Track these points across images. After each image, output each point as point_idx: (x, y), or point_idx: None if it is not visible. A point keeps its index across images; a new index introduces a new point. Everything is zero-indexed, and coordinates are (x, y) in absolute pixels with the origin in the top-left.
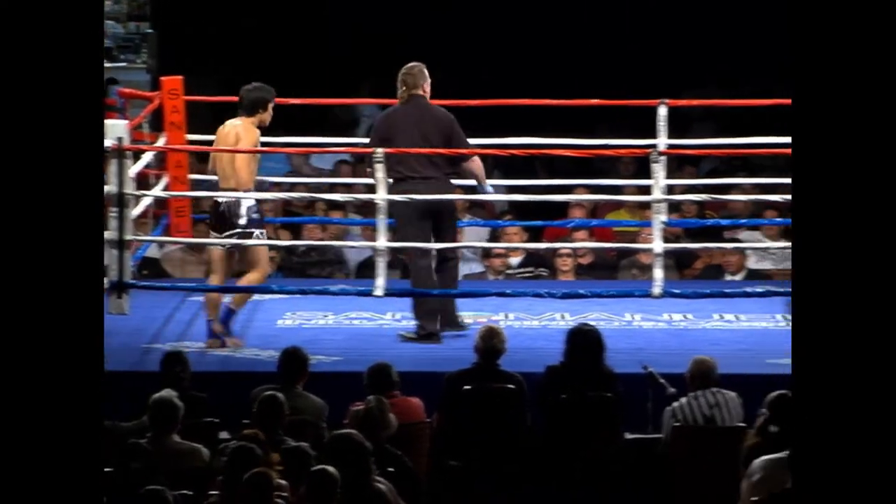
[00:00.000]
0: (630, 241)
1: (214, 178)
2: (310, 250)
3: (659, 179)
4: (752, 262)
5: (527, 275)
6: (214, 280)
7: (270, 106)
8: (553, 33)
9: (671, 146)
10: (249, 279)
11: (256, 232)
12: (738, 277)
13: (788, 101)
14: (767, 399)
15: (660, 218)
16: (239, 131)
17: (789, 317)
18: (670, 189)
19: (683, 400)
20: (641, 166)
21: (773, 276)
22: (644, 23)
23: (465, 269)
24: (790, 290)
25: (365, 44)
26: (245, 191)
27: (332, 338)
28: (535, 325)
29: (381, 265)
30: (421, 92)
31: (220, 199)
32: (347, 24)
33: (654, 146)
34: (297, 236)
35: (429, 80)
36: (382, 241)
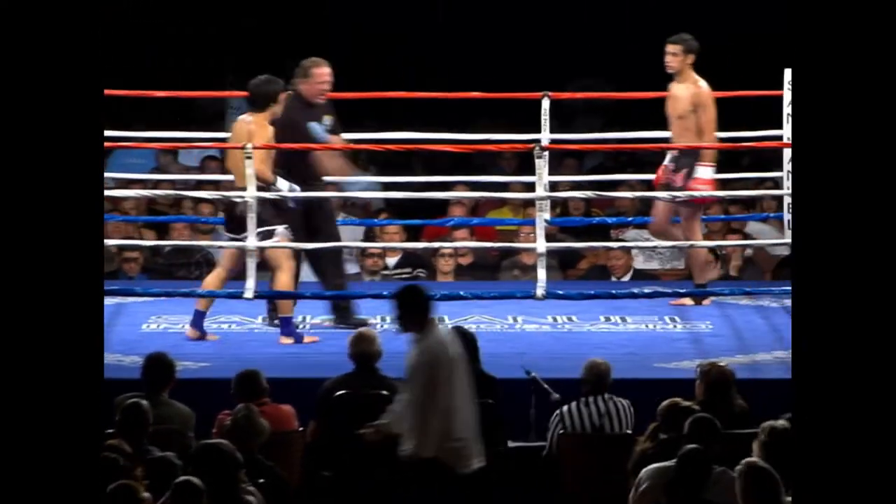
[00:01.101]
0: (512, 240)
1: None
2: (176, 251)
3: (542, 176)
4: (640, 262)
5: (404, 276)
6: (216, 276)
7: (282, 98)
8: (430, 22)
9: (555, 141)
10: (279, 281)
11: (279, 229)
12: (624, 278)
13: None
14: (660, 407)
15: (543, 216)
16: (252, 128)
17: (677, 318)
18: (554, 186)
19: (573, 405)
20: (524, 162)
21: (660, 277)
22: (526, 11)
23: None
24: (678, 291)
25: (365, 44)
26: (264, 188)
27: (198, 343)
28: None
29: (251, 266)
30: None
31: (235, 199)
32: (347, 24)
33: (536, 141)
34: (162, 236)
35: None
36: (252, 241)
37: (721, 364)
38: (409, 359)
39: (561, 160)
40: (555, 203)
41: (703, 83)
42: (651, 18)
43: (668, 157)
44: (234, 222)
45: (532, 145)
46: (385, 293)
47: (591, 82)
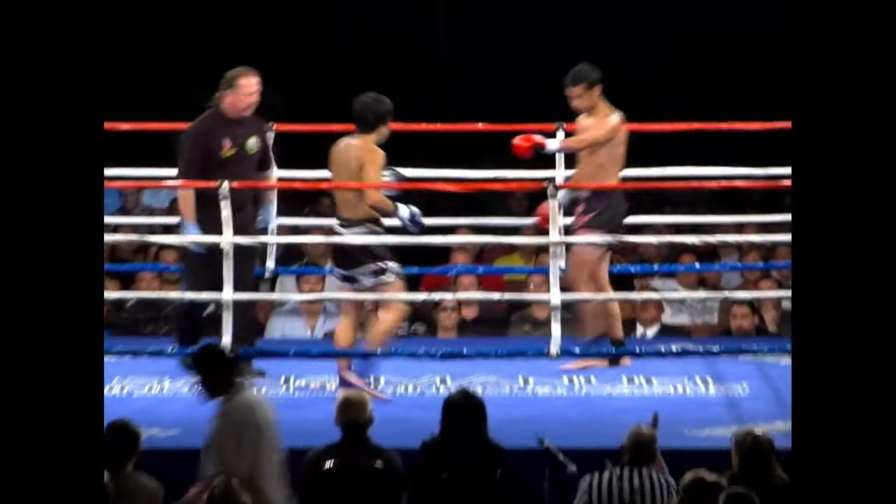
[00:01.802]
0: (522, 290)
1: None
2: (142, 304)
3: (556, 218)
4: (667, 316)
5: (401, 331)
6: (346, 324)
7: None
8: (429, 45)
9: (570, 178)
10: (386, 320)
11: (392, 266)
12: (650, 334)
13: (714, 124)
14: (683, 482)
15: (558, 263)
16: (361, 153)
17: (709, 380)
18: (570, 229)
19: (604, 476)
20: (536, 202)
21: (690, 333)
22: (537, 33)
23: (328, 325)
24: (711, 348)
25: (365, 44)
26: (372, 220)
27: (168, 407)
28: (410, 391)
29: (227, 321)
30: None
31: (342, 232)
32: (347, 24)
33: (550, 179)
34: (126, 287)
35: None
36: (229, 292)
37: (759, 431)
38: (211, 427)
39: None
40: (571, 248)
41: (615, 116)
42: (675, 41)
43: (568, 196)
44: (349, 259)
45: (545, 183)
46: (378, 351)
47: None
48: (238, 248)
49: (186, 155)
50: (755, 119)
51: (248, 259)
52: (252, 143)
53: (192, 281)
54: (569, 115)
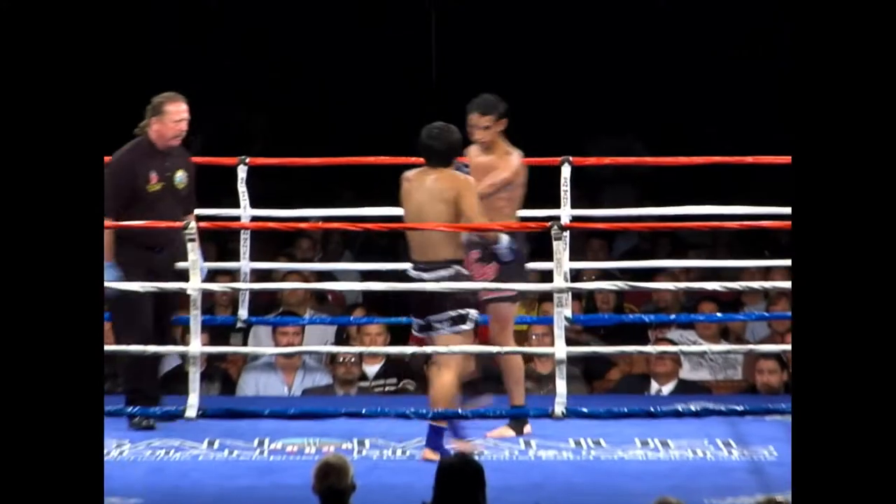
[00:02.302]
0: (523, 343)
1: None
2: None
3: (562, 262)
4: (685, 371)
5: (388, 388)
6: (449, 380)
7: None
8: (417, 71)
9: (577, 218)
10: (443, 380)
11: (472, 313)
12: (666, 390)
13: (734, 158)
14: None
15: (563, 313)
16: (455, 182)
17: (732, 443)
18: (577, 274)
19: None
20: (538, 244)
21: (711, 390)
22: (536, 54)
23: (307, 381)
24: (734, 407)
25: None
26: (458, 261)
27: (128, 473)
28: (398, 455)
29: (194, 377)
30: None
31: (423, 277)
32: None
33: (555, 218)
34: None
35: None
36: (196, 345)
37: (781, 499)
38: None
39: (586, 241)
40: (578, 296)
41: (517, 154)
42: (693, 60)
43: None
44: (428, 306)
45: (549, 223)
46: (363, 411)
47: (620, 142)
48: (135, 294)
49: (111, 189)
50: (784, 153)
51: (146, 304)
52: (179, 176)
53: (123, 330)
54: (589, 185)
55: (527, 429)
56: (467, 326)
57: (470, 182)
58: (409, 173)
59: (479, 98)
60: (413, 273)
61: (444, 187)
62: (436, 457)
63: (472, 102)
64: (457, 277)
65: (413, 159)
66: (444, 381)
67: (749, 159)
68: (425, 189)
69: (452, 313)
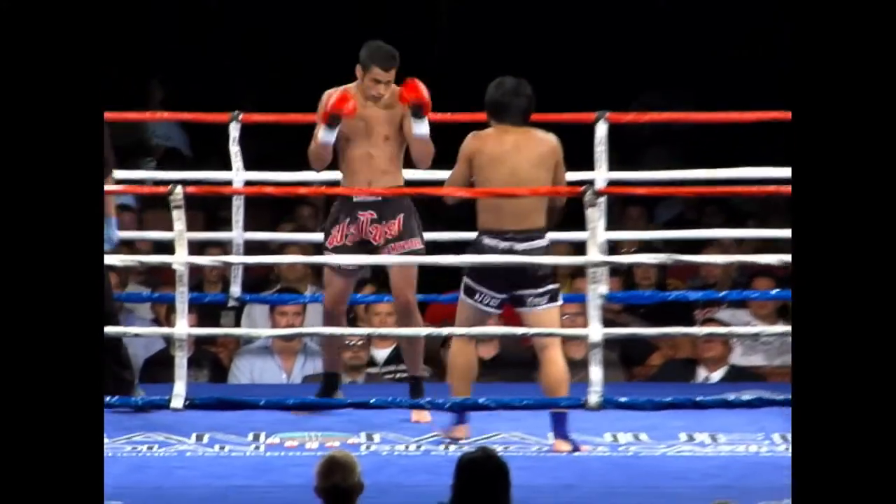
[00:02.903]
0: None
1: None
2: None
3: (596, 232)
4: (737, 356)
5: (400, 375)
6: (558, 358)
7: None
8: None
9: (614, 182)
10: (559, 360)
11: (557, 297)
12: (715, 378)
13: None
14: None
15: (598, 290)
16: (556, 147)
17: (789, 437)
18: (614, 246)
19: None
20: (570, 212)
21: (766, 378)
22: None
23: (308, 367)
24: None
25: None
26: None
27: (106, 471)
28: (411, 450)
29: (180, 362)
30: None
31: (514, 248)
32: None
33: (588, 182)
34: None
35: None
36: (183, 326)
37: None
38: None
39: (623, 209)
40: (615, 271)
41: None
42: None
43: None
44: (522, 278)
45: (581, 188)
46: (371, 400)
47: (663, 97)
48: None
49: None
50: None
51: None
52: None
53: None
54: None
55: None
56: (561, 302)
57: (560, 156)
58: (483, 133)
59: (389, 49)
60: (498, 243)
61: (545, 151)
62: (568, 446)
63: (382, 56)
64: (550, 249)
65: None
66: (560, 362)
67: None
68: (523, 152)
69: (551, 287)
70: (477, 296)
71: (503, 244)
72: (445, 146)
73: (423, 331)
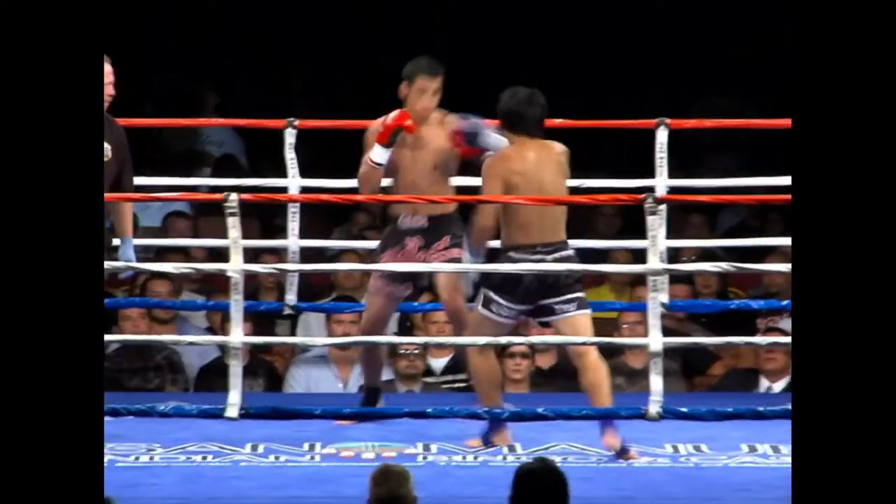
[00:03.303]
0: (613, 333)
1: None
2: (126, 350)
3: (657, 239)
4: None
5: (457, 385)
6: (599, 364)
7: None
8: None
9: (675, 189)
10: (601, 367)
11: (585, 304)
12: (777, 388)
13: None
14: None
15: (658, 298)
16: (563, 156)
17: None
18: (674, 254)
19: None
20: (630, 220)
21: None
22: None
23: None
24: None
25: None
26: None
27: (159, 481)
28: (469, 461)
29: (235, 371)
30: None
31: (545, 259)
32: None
33: (649, 189)
34: (108, 329)
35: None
36: (238, 335)
37: None
38: None
39: (685, 217)
40: (676, 279)
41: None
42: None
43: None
44: (549, 288)
45: (643, 196)
46: (428, 410)
47: (725, 103)
48: None
49: None
50: None
51: None
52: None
53: None
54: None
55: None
56: (589, 310)
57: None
58: (506, 153)
59: (429, 60)
60: (527, 257)
61: (561, 160)
62: (617, 441)
63: (427, 64)
64: (575, 257)
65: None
66: (601, 365)
67: None
68: (544, 165)
69: (580, 294)
70: (494, 307)
71: (533, 257)
72: None
73: (482, 339)
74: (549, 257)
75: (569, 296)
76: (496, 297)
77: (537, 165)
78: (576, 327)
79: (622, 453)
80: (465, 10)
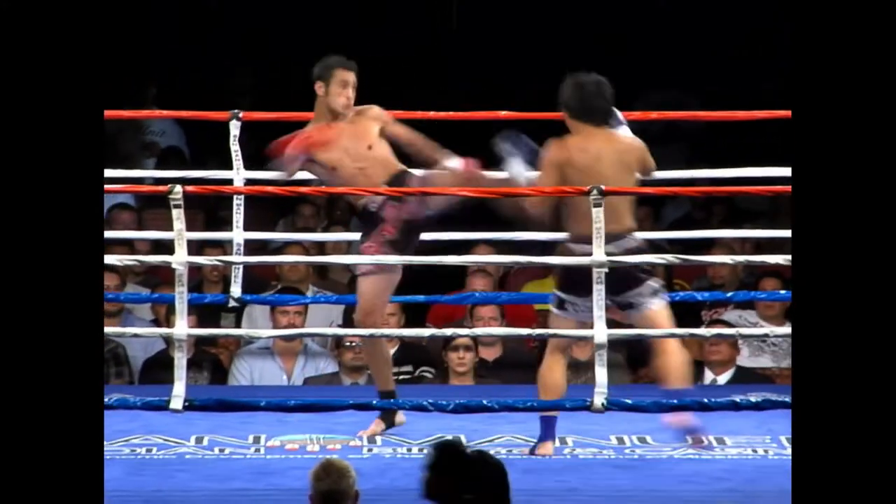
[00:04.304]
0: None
1: None
2: None
3: (601, 231)
4: (744, 358)
5: (403, 377)
6: (679, 350)
7: None
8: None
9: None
10: (677, 350)
11: (658, 285)
12: (721, 380)
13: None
14: None
15: (602, 290)
16: (643, 147)
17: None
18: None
19: None
20: None
21: (774, 380)
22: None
23: (309, 368)
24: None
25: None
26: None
27: (104, 473)
28: (413, 453)
29: (180, 363)
30: None
31: (609, 250)
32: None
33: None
34: None
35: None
36: (183, 327)
37: None
38: None
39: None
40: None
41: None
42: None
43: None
44: (623, 281)
45: (587, 188)
46: (374, 402)
47: (670, 95)
48: None
49: None
50: None
51: None
52: None
53: None
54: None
55: (399, 418)
56: (667, 296)
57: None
58: (567, 142)
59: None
60: (587, 246)
61: (628, 155)
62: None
63: (340, 59)
64: (643, 248)
65: (426, 114)
66: (680, 355)
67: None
68: (605, 159)
69: (655, 284)
70: (568, 306)
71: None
72: (446, 145)
73: (426, 331)
74: (611, 247)
75: (649, 287)
76: (568, 296)
77: (596, 160)
78: (657, 321)
79: (691, 433)
80: (464, 10)
